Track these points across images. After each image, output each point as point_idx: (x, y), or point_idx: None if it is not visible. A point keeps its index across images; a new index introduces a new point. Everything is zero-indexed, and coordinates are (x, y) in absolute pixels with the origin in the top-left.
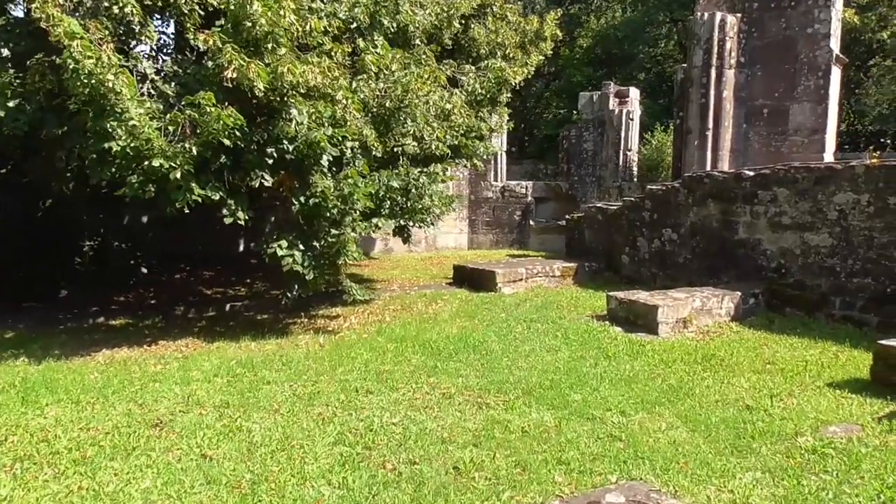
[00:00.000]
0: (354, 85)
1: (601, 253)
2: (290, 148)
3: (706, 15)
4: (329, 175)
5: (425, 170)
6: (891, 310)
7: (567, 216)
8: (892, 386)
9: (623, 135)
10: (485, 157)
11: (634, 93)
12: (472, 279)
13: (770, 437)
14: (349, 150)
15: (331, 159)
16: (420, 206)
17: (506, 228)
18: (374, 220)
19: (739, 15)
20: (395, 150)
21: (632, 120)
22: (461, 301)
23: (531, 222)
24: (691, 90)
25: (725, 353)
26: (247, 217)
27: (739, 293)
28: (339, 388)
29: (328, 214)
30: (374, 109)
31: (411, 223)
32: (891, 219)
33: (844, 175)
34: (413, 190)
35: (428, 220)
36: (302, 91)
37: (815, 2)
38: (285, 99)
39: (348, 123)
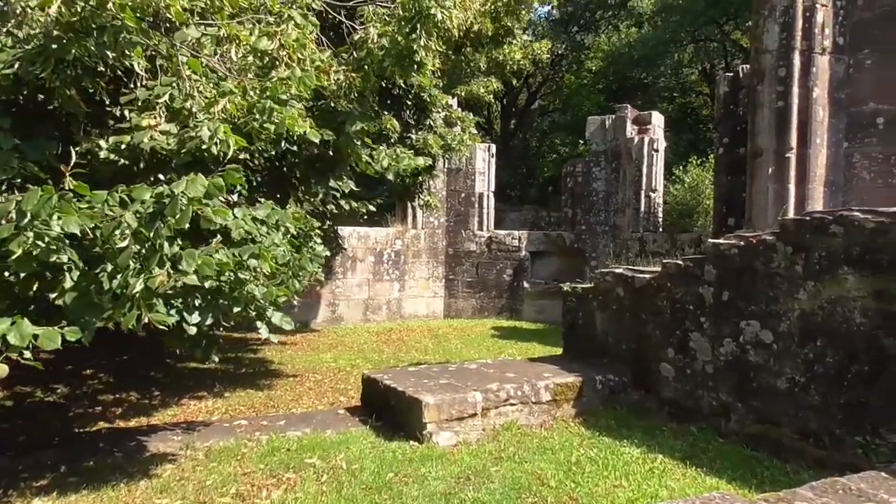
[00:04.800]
0: None
1: (624, 355)
2: None
3: None
4: None
5: (164, 189)
6: None
7: (566, 288)
8: None
9: (645, 171)
10: (402, 171)
11: (658, 118)
12: (386, 406)
13: None
14: None
15: None
16: (149, 285)
17: (493, 291)
18: None
19: None
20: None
21: (656, 151)
22: (330, 484)
23: (526, 284)
24: (760, 89)
25: None
26: None
27: None
28: None
29: None
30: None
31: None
32: None
33: None
34: (122, 242)
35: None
36: None
37: None
38: None
39: None
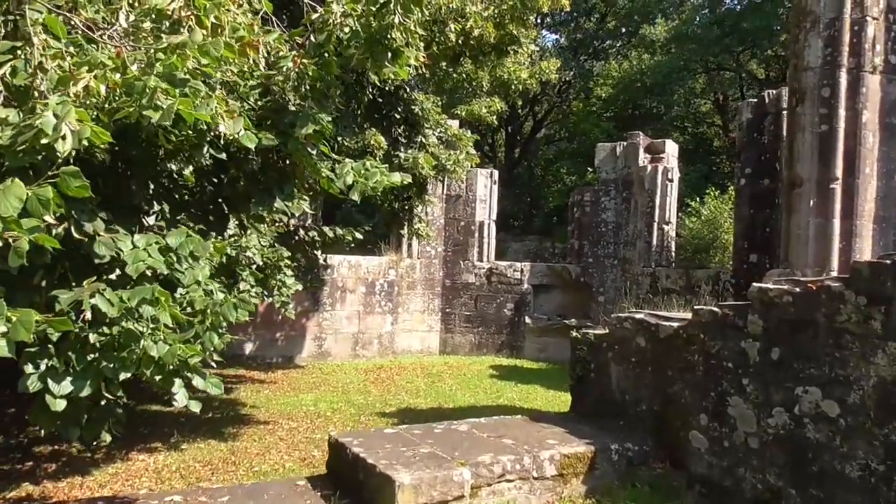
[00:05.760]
0: None
1: (645, 417)
2: None
3: None
4: None
5: None
6: None
7: (575, 332)
8: None
9: (658, 201)
10: (373, 190)
11: (672, 147)
12: (354, 480)
13: None
14: None
15: None
16: None
17: (492, 326)
18: None
19: None
20: None
21: (670, 181)
22: None
23: (528, 319)
24: (800, 111)
25: None
26: None
27: None
28: None
29: None
30: None
31: None
32: None
33: None
34: None
35: None
36: None
37: None
38: None
39: None
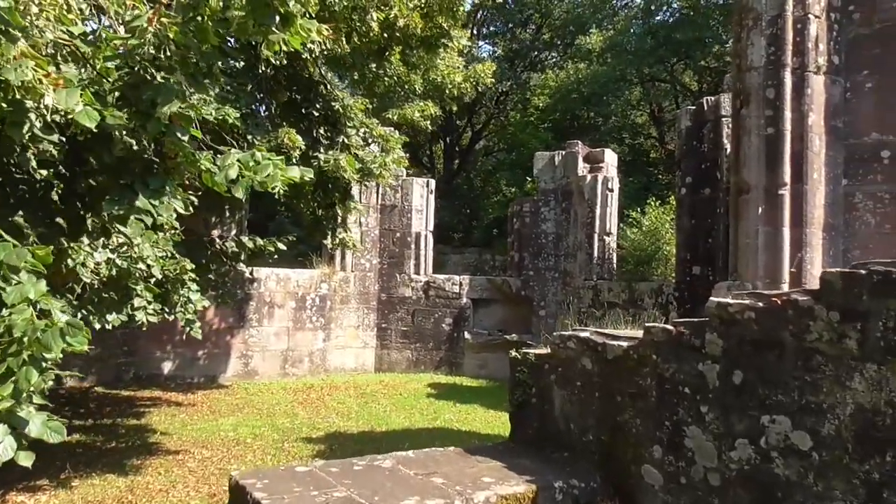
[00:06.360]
0: None
1: (592, 449)
2: None
3: None
4: None
5: None
6: None
7: (515, 352)
8: None
9: (598, 212)
10: (264, 186)
11: (611, 156)
12: None
13: None
14: None
15: None
16: None
17: (430, 342)
18: None
19: None
20: None
21: (611, 191)
22: None
23: (467, 335)
24: (746, 113)
25: None
26: None
27: None
28: None
29: None
30: None
31: None
32: None
33: None
34: None
35: None
36: None
37: None
38: None
39: None
